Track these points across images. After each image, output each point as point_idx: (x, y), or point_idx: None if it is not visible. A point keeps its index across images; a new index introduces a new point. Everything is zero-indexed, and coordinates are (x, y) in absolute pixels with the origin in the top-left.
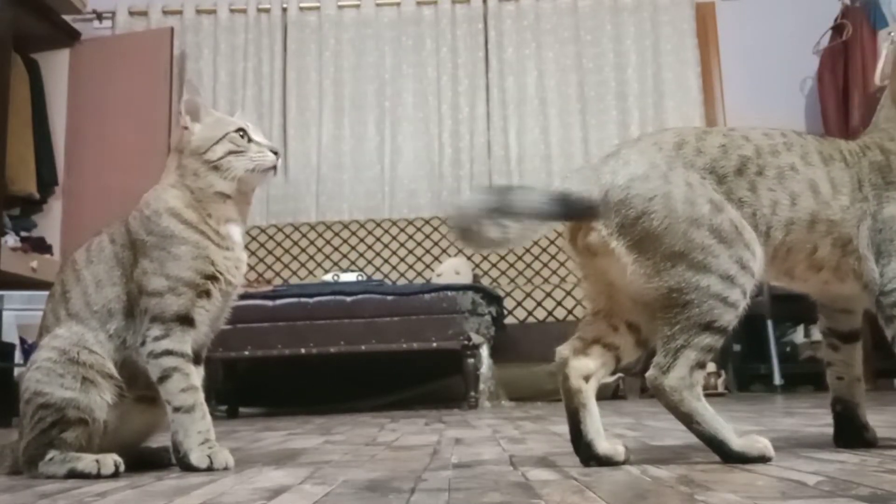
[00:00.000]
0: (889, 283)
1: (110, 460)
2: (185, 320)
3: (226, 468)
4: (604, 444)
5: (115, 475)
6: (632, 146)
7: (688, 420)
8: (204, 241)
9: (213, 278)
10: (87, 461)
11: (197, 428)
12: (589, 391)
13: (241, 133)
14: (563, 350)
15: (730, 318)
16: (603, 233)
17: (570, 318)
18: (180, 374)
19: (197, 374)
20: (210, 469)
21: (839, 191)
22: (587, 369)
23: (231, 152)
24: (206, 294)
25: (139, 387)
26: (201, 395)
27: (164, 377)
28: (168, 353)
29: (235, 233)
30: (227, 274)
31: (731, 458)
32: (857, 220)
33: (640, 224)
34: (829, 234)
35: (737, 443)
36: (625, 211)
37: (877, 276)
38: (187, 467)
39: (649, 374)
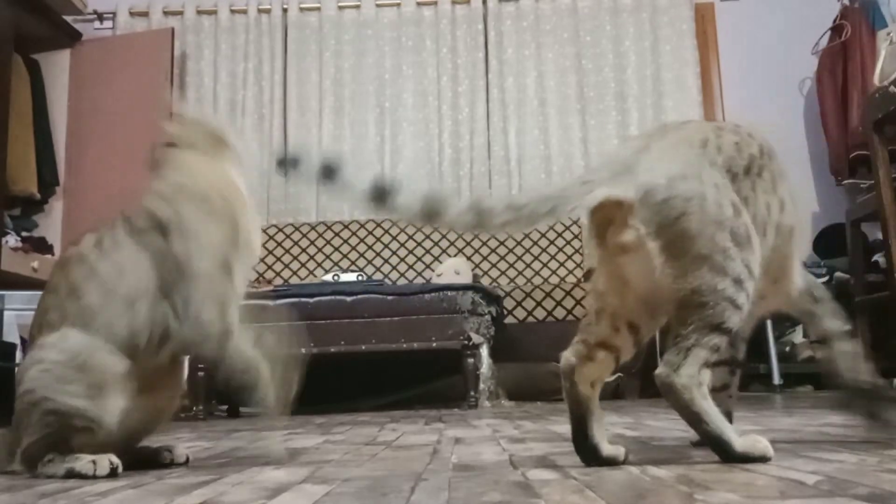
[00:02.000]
0: None
1: (106, 461)
2: None
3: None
4: (608, 447)
5: (113, 475)
6: (660, 139)
7: (696, 419)
8: None
9: None
10: (83, 461)
11: None
12: (595, 397)
13: None
14: (569, 356)
15: (736, 321)
16: (641, 231)
17: (570, 318)
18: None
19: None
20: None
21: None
22: (594, 375)
23: None
24: None
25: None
26: None
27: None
28: None
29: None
30: None
31: (733, 458)
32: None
33: (679, 225)
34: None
35: (739, 443)
36: (666, 211)
37: None
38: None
39: (660, 371)
